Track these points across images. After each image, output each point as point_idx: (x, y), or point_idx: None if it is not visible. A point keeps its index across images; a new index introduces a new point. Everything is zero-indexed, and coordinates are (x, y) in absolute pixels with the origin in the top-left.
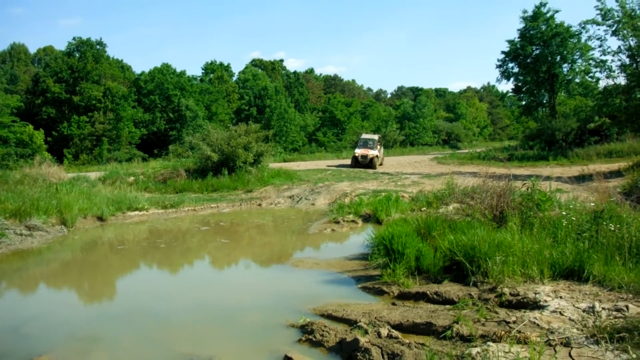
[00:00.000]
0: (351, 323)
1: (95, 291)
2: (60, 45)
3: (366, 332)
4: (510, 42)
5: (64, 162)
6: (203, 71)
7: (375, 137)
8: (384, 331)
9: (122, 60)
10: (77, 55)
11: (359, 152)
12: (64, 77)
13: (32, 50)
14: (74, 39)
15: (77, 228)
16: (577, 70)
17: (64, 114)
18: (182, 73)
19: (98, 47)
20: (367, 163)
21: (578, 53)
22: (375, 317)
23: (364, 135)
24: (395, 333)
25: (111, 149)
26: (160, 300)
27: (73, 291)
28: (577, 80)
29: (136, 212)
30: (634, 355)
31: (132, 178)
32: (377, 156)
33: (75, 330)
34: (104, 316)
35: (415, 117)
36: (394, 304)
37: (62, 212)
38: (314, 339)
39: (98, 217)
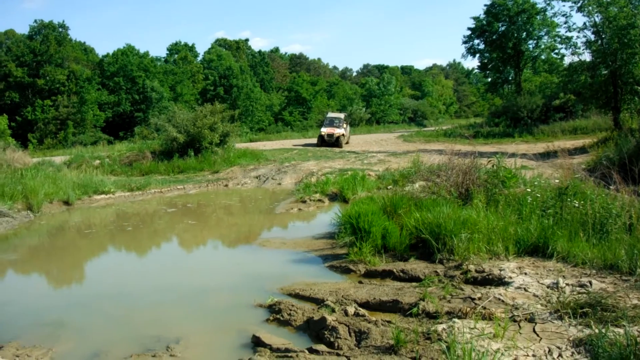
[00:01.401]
0: (318, 302)
1: (62, 276)
2: (22, 29)
3: (333, 311)
4: (476, 18)
5: (29, 147)
6: (167, 52)
7: (342, 115)
8: (351, 309)
9: (85, 43)
10: (39, 38)
11: (325, 130)
12: (27, 61)
13: None
14: (35, 21)
15: (44, 213)
16: (543, 47)
17: (28, 98)
18: (146, 54)
19: (61, 29)
20: (334, 142)
21: (544, 30)
22: (342, 296)
23: (330, 114)
24: (362, 311)
25: (76, 132)
26: (127, 283)
27: (40, 276)
28: (542, 57)
29: (102, 196)
30: (597, 330)
31: (97, 161)
32: (343, 135)
33: (43, 316)
34: (72, 301)
35: (380, 94)
36: (360, 282)
37: (27, 197)
38: (281, 319)
39: (64, 202)
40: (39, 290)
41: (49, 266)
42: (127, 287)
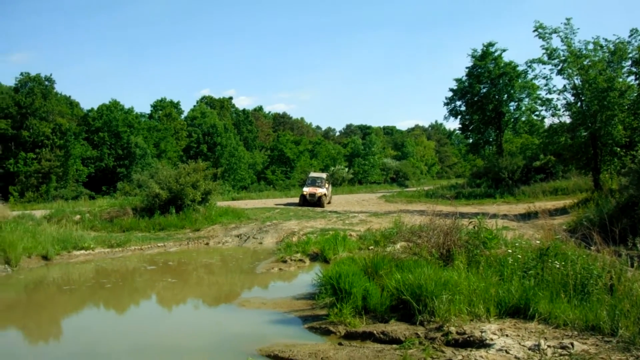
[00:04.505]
0: None
1: (39, 332)
2: (8, 81)
3: None
4: (458, 80)
5: (10, 200)
6: (152, 108)
7: (324, 175)
8: None
9: (70, 97)
10: (25, 91)
11: (307, 190)
12: (11, 113)
13: None
14: (21, 74)
15: (22, 267)
16: (524, 108)
17: (11, 151)
18: (131, 110)
19: (47, 83)
20: (315, 201)
21: (525, 92)
22: (322, 358)
23: (312, 174)
24: None
25: (58, 186)
26: (105, 341)
27: (16, 332)
28: (523, 118)
29: (82, 251)
30: None
31: (78, 216)
32: (325, 194)
33: None
34: (47, 358)
35: (364, 154)
36: (340, 344)
37: (5, 251)
38: None
39: (43, 257)
40: (14, 347)
41: (24, 322)
42: (103, 346)
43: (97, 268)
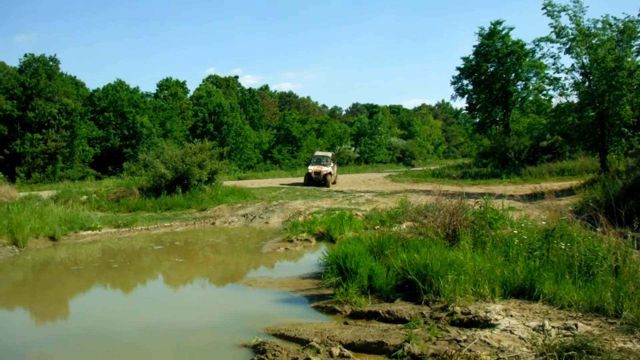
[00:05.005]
0: (303, 342)
1: (46, 312)
2: (13, 62)
3: (318, 352)
4: (465, 59)
5: (16, 181)
6: (157, 88)
7: (329, 154)
8: (336, 350)
9: (75, 77)
10: (30, 71)
11: (312, 168)
12: (16, 94)
13: None
14: (25, 55)
15: (29, 248)
16: (531, 88)
17: (17, 132)
18: (136, 90)
19: (52, 63)
20: (321, 180)
21: (533, 71)
22: (328, 337)
23: (318, 153)
24: (347, 352)
25: (64, 167)
26: (112, 320)
27: (24, 312)
28: (530, 98)
29: (89, 232)
30: None
31: (84, 197)
32: (330, 173)
33: (26, 352)
34: (54, 337)
35: (371, 133)
36: (346, 323)
37: (13, 232)
38: (266, 359)
39: (50, 237)
40: (22, 326)
41: (33, 302)
42: (111, 325)
43: (104, 248)
